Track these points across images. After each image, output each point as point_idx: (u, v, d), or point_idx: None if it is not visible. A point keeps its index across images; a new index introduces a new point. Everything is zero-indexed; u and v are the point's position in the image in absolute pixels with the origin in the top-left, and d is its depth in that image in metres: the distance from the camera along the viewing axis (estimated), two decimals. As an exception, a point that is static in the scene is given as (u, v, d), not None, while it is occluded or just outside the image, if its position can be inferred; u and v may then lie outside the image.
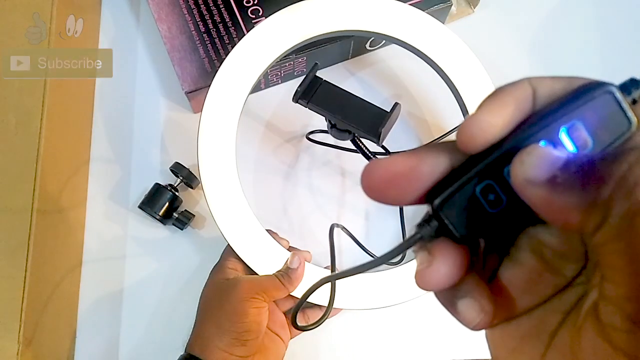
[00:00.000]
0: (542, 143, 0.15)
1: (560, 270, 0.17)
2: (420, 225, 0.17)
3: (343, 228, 0.42)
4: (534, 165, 0.15)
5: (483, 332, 0.19)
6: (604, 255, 0.14)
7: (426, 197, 0.17)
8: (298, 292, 0.43)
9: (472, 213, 0.17)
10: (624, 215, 0.13)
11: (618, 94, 0.15)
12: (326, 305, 0.43)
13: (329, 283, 0.40)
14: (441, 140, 0.51)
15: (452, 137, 0.22)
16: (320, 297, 0.42)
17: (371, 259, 0.19)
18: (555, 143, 0.15)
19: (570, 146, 0.15)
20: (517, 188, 0.15)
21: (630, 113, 0.15)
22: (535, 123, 0.16)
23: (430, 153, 0.17)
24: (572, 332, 0.16)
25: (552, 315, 0.17)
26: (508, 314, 0.18)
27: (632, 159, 0.13)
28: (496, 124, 0.16)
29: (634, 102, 0.16)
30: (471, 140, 0.16)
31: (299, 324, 0.45)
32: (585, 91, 0.16)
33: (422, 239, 0.17)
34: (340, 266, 0.47)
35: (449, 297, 0.18)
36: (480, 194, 0.16)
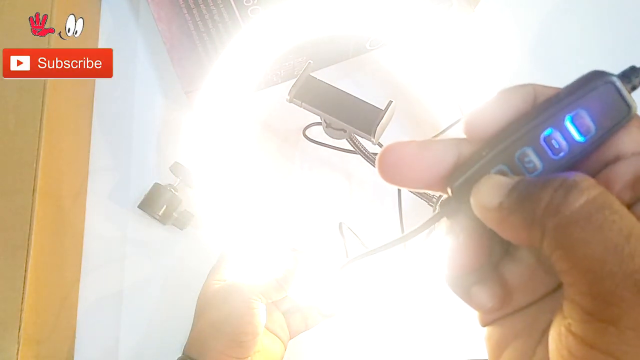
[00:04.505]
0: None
1: (552, 269, 0.18)
2: (441, 206, 0.19)
3: (348, 228, 0.43)
4: (486, 194, 0.17)
5: (482, 332, 0.20)
6: (554, 263, 0.16)
7: (447, 181, 0.18)
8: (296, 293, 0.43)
9: None
10: (555, 228, 0.15)
11: (618, 83, 0.17)
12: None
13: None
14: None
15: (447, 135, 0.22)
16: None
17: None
18: (562, 130, 0.17)
19: (574, 133, 0.17)
20: (476, 212, 0.18)
21: (629, 99, 0.17)
22: (544, 112, 0.17)
23: (437, 143, 0.19)
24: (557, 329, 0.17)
25: (545, 314, 0.18)
26: (508, 307, 0.19)
27: (556, 184, 0.16)
28: (496, 117, 0.18)
29: (634, 88, 0.17)
30: (472, 128, 0.18)
31: (296, 329, 0.45)
32: (588, 81, 0.17)
33: (443, 216, 0.19)
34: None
35: (462, 283, 0.19)
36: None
